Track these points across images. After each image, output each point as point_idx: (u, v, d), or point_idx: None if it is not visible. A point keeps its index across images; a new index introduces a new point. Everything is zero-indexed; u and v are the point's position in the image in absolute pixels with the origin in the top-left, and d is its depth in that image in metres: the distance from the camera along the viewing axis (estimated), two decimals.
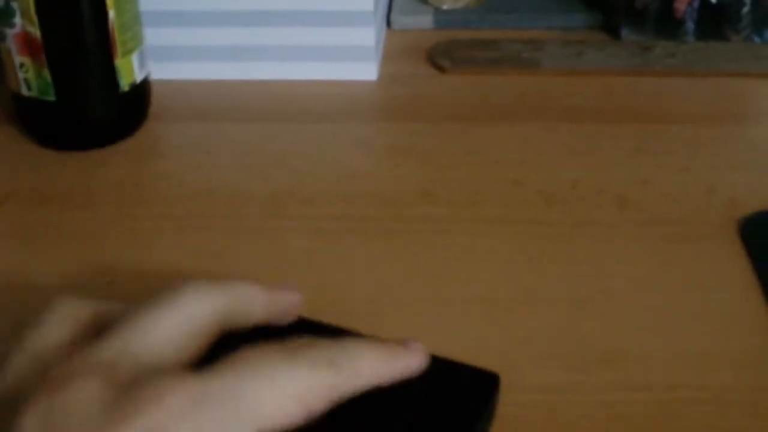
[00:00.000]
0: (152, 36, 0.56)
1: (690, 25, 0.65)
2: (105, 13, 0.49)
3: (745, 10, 0.64)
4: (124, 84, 0.52)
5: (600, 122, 0.56)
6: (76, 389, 0.25)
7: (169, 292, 0.29)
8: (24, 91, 0.50)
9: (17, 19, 0.48)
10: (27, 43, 0.48)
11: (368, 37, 0.60)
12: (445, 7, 0.70)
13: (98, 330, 0.29)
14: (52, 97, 0.50)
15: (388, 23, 0.69)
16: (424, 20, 0.69)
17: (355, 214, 0.48)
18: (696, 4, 0.64)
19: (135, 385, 0.25)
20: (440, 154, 0.53)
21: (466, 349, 0.38)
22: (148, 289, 0.41)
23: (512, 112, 0.57)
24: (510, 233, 0.46)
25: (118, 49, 0.51)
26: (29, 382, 0.27)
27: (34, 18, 0.47)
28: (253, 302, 0.31)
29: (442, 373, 0.34)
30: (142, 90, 0.54)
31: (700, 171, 0.51)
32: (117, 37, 0.50)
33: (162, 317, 0.28)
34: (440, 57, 0.63)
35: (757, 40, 0.64)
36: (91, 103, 0.51)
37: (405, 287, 0.42)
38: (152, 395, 0.25)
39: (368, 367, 0.29)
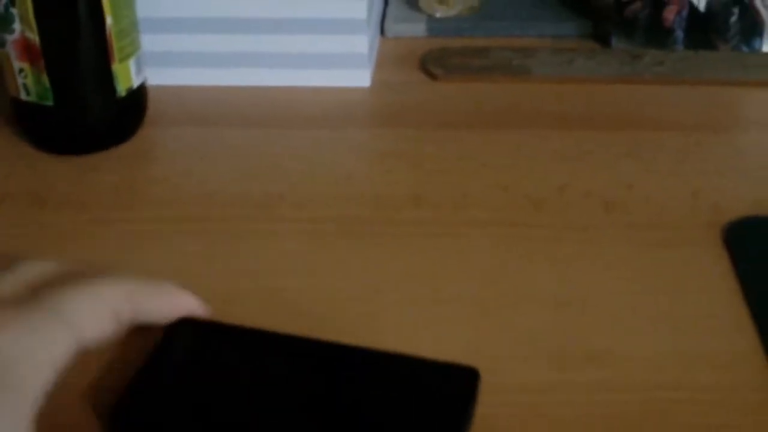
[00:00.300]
0: (148, 42, 0.57)
1: (679, 34, 0.66)
2: (102, 20, 0.50)
3: (733, 19, 0.65)
4: (121, 89, 0.53)
5: (589, 129, 0.57)
6: None
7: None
8: (23, 96, 0.51)
9: (16, 25, 0.49)
10: (26, 48, 0.49)
11: (362, 44, 0.61)
12: (438, 15, 0.71)
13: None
14: (50, 102, 0.51)
15: (382, 31, 0.70)
16: (417, 28, 0.70)
17: (347, 217, 0.48)
18: (685, 13, 0.65)
19: None
20: (431, 159, 0.54)
21: (455, 348, 0.39)
22: None
23: (503, 119, 0.58)
24: (498, 236, 0.47)
25: (116, 55, 0.51)
26: None
27: (33, 24, 0.48)
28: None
29: (423, 372, 0.35)
30: (139, 95, 0.55)
31: (686, 176, 0.52)
32: (114, 43, 0.51)
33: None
34: (432, 64, 0.64)
35: (745, 49, 0.65)
36: (88, 108, 0.52)
37: (396, 289, 0.43)
38: None
39: (166, 287, 0.37)
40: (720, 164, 0.53)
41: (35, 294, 0.33)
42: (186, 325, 0.37)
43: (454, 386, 0.34)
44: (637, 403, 0.37)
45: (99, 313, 0.33)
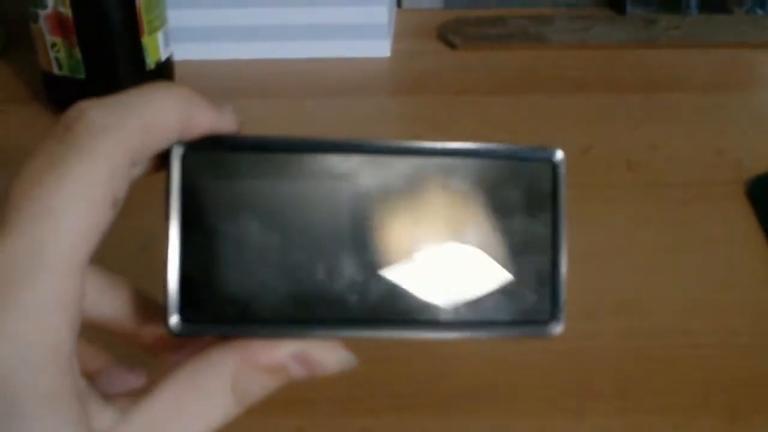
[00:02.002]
0: (173, 18, 0.58)
1: None
2: None
3: None
4: (151, 61, 0.54)
5: (608, 93, 0.58)
6: None
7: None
8: (55, 70, 0.52)
9: (50, 1, 0.50)
10: (59, 23, 0.50)
11: (381, 15, 0.62)
12: None
13: None
14: (82, 75, 0.52)
15: (399, 3, 0.71)
16: None
17: None
18: None
19: None
20: (455, 124, 0.55)
21: None
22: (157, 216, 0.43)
23: (523, 85, 0.59)
24: None
25: (145, 28, 0.52)
26: None
27: None
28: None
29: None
30: (167, 68, 0.56)
31: (707, 136, 0.53)
32: (143, 16, 0.52)
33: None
34: (451, 34, 0.65)
35: (759, 12, 0.66)
36: (119, 81, 0.53)
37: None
38: None
39: (173, 108, 0.25)
40: (739, 123, 0.54)
41: None
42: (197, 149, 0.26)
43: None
44: (667, 348, 0.38)
45: (90, 226, 0.23)
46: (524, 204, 0.27)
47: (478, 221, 0.26)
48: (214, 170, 0.26)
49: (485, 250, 0.26)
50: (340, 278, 0.26)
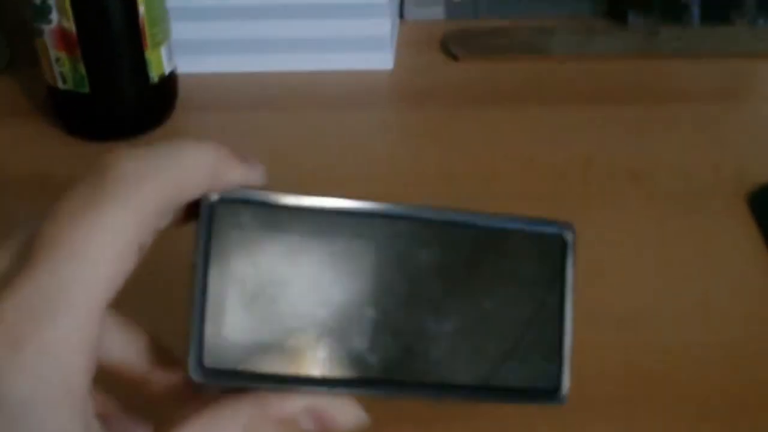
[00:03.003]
0: (177, 30, 0.58)
1: (695, 10, 0.67)
2: (136, 8, 0.51)
3: None
4: (154, 76, 0.54)
5: (610, 103, 0.58)
6: None
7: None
8: (60, 85, 0.53)
9: (54, 15, 0.50)
10: (63, 38, 0.51)
11: (383, 27, 0.62)
12: None
13: None
14: (86, 90, 0.52)
15: (401, 15, 0.71)
16: (436, 11, 0.71)
17: (377, 194, 0.49)
18: None
19: None
20: (457, 137, 0.55)
21: None
22: (178, 272, 0.44)
23: (525, 96, 0.59)
24: (526, 208, 0.48)
25: (148, 42, 0.53)
26: None
27: (70, 14, 0.50)
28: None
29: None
30: (171, 81, 0.56)
31: (708, 147, 0.53)
32: (147, 30, 0.52)
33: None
34: (453, 45, 0.65)
35: (761, 22, 0.66)
36: (123, 95, 0.54)
37: None
38: None
39: (204, 165, 0.25)
40: (741, 134, 0.54)
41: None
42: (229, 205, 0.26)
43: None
44: (669, 361, 0.38)
45: (115, 272, 0.23)
46: (534, 276, 0.28)
47: (491, 290, 0.28)
48: (242, 222, 0.26)
49: (496, 318, 0.28)
50: (359, 337, 0.26)
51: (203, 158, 0.25)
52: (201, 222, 0.26)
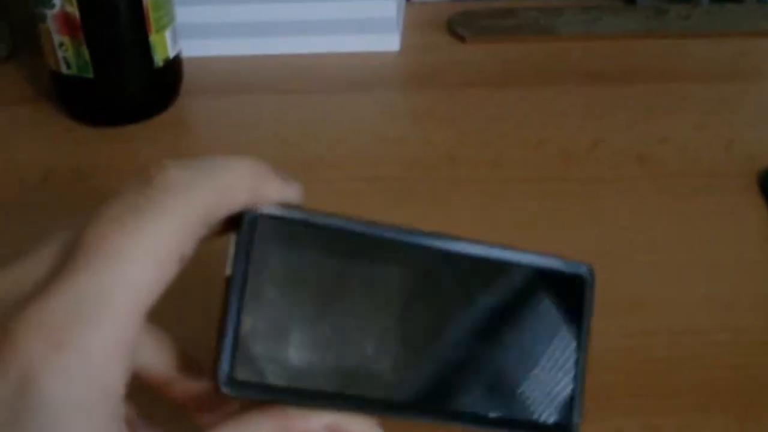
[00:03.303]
0: (181, 14, 0.58)
1: None
2: None
3: None
4: (159, 60, 0.54)
5: (619, 84, 0.57)
6: None
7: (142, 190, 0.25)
8: (63, 70, 0.52)
9: (57, 0, 0.50)
10: (66, 22, 0.50)
11: (389, 9, 0.62)
12: None
13: None
14: (90, 75, 0.52)
15: None
16: None
17: (383, 176, 0.49)
18: None
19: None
20: (464, 118, 0.55)
21: None
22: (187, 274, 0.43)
23: (532, 78, 0.59)
24: (533, 191, 0.48)
25: (152, 26, 0.52)
26: None
27: None
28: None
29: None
30: (175, 66, 0.56)
31: (718, 127, 0.53)
32: (151, 14, 0.52)
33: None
34: (460, 27, 0.65)
35: None
36: (127, 79, 0.53)
37: None
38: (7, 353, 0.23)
39: (245, 179, 0.26)
40: (751, 114, 0.54)
41: None
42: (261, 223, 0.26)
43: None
44: (676, 347, 0.38)
45: (159, 276, 0.24)
46: (552, 311, 0.30)
47: (512, 324, 0.29)
48: (280, 239, 0.26)
49: (515, 353, 0.29)
50: (385, 360, 0.27)
51: (245, 172, 0.26)
52: (242, 235, 0.26)
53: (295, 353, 0.26)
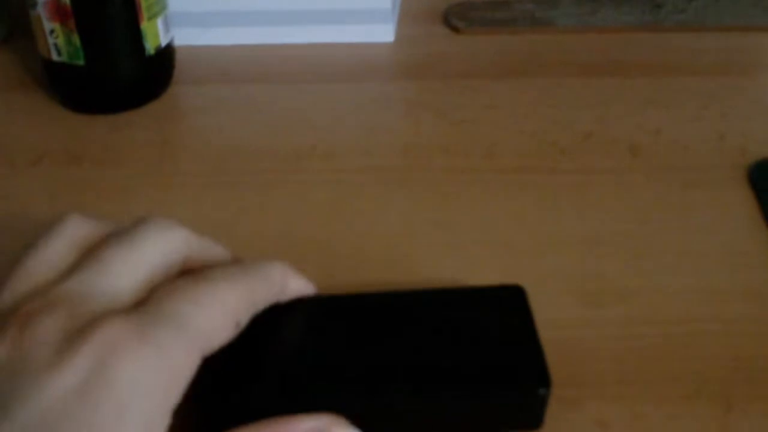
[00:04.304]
0: (174, 3, 0.58)
1: None
2: None
3: None
4: (150, 47, 0.54)
5: (613, 76, 0.57)
6: (39, 324, 0.26)
7: (143, 227, 0.31)
8: (54, 57, 0.52)
9: None
10: (57, 9, 0.50)
11: None
12: None
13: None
14: (81, 62, 0.52)
15: None
16: None
17: (377, 167, 0.49)
18: None
19: (87, 323, 0.27)
20: (457, 109, 0.54)
21: None
22: None
23: (527, 69, 0.59)
24: (526, 182, 0.48)
25: (144, 14, 0.52)
26: (23, 302, 0.28)
27: None
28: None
29: (475, 298, 0.36)
30: (167, 53, 0.56)
31: (711, 120, 0.52)
32: (142, 1, 0.52)
33: (126, 255, 0.30)
34: (455, 18, 0.65)
35: None
36: (118, 67, 0.53)
37: (427, 233, 0.44)
38: (95, 333, 0.26)
39: (278, 274, 0.33)
40: (744, 107, 0.54)
41: (151, 295, 0.29)
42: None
43: (509, 305, 0.35)
44: (666, 336, 0.38)
45: (225, 324, 0.30)
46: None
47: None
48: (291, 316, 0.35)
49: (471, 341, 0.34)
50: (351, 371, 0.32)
51: (278, 274, 0.33)
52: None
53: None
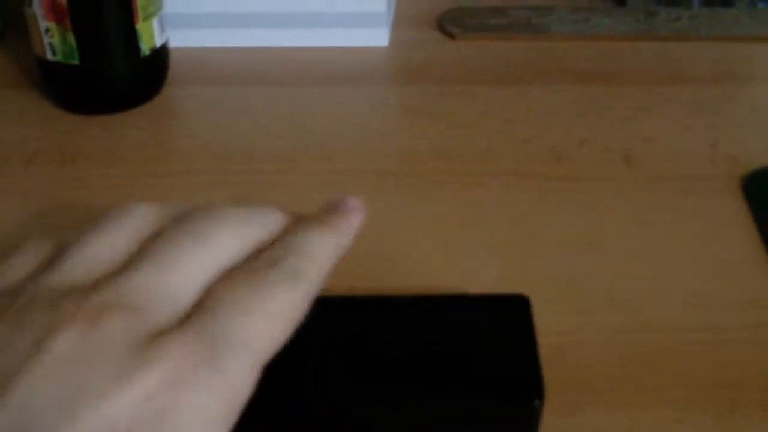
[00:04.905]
0: (170, 4, 0.57)
1: None
2: None
3: None
4: (145, 48, 0.53)
5: (607, 84, 0.57)
6: (109, 324, 0.25)
7: (203, 222, 0.29)
8: (49, 56, 0.52)
9: None
10: (53, 8, 0.50)
11: (379, 3, 0.61)
12: None
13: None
14: (76, 61, 0.52)
15: None
16: None
17: (371, 170, 0.49)
18: None
19: (156, 337, 0.26)
20: (452, 114, 0.54)
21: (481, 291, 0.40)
22: None
23: (522, 76, 0.59)
24: (521, 187, 0.48)
25: (139, 14, 0.52)
26: (84, 289, 0.27)
27: None
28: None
29: (478, 306, 0.35)
30: (162, 54, 0.56)
31: (704, 129, 0.53)
32: (138, 2, 0.52)
33: (195, 252, 0.28)
34: (450, 24, 0.65)
35: (761, 5, 0.66)
36: (113, 67, 0.53)
37: (421, 236, 0.44)
38: (166, 354, 0.25)
39: (326, 256, 0.30)
40: (737, 117, 0.54)
41: (200, 306, 0.27)
42: None
43: (512, 315, 0.35)
44: (659, 343, 0.38)
45: (285, 331, 0.28)
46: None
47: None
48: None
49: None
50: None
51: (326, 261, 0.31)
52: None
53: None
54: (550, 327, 0.38)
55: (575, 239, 0.44)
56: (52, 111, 0.55)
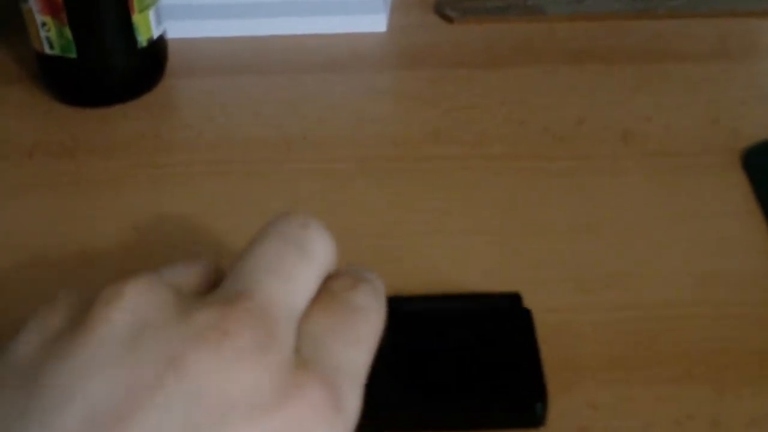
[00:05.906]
0: None
1: None
2: None
3: None
4: (142, 40, 0.54)
5: (605, 64, 0.57)
6: (239, 338, 0.25)
7: (302, 233, 0.29)
8: (46, 50, 0.52)
9: None
10: (48, 2, 0.50)
11: None
12: None
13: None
14: (73, 54, 0.52)
15: None
16: None
17: (368, 156, 0.49)
18: None
19: (290, 370, 0.25)
20: (449, 99, 0.54)
21: (480, 277, 0.40)
22: (172, 233, 0.44)
23: (519, 58, 0.59)
24: (518, 169, 0.48)
25: (136, 6, 0.52)
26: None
27: None
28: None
29: (479, 305, 0.36)
30: (159, 46, 0.56)
31: (704, 105, 0.52)
32: None
33: (303, 266, 0.28)
34: (447, 8, 0.65)
35: None
36: (111, 59, 0.53)
37: (418, 222, 0.44)
38: (301, 393, 0.25)
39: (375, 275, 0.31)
40: (737, 92, 0.54)
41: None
42: None
43: (513, 315, 0.36)
44: (657, 320, 0.38)
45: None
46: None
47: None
48: None
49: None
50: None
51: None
52: None
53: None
54: (547, 306, 0.39)
55: (574, 218, 0.44)
56: (51, 104, 0.55)
